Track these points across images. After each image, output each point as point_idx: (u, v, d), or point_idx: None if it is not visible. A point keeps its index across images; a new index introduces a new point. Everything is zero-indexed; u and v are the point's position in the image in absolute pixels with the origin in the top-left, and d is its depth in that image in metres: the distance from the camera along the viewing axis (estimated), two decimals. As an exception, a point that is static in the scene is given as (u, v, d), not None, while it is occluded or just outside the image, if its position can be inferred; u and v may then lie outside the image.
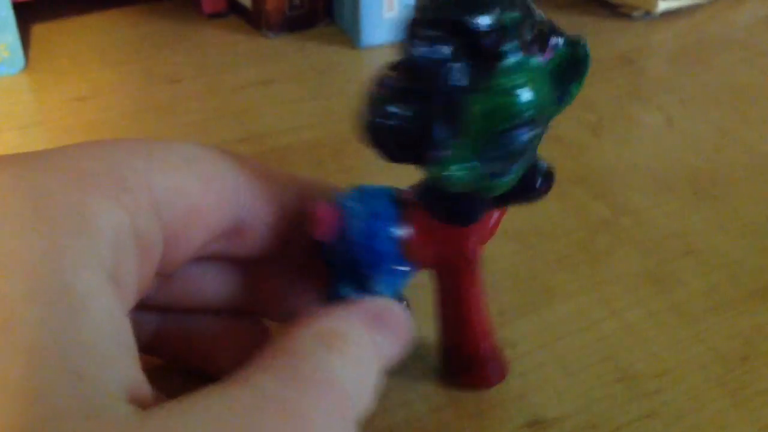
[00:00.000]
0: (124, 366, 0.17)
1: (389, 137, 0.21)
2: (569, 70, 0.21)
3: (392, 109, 0.20)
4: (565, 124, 0.43)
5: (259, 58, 0.50)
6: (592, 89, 0.46)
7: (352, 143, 0.42)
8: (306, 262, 0.25)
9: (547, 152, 0.24)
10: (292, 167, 0.40)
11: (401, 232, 0.23)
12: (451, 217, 0.23)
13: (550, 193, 0.36)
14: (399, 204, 0.23)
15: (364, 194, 0.23)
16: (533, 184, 0.23)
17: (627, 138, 0.42)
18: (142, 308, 0.25)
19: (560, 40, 0.21)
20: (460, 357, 0.27)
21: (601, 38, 0.52)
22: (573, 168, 0.39)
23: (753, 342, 0.29)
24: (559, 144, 0.41)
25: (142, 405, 0.16)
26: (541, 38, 0.21)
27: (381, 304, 0.22)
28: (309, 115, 0.44)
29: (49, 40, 0.52)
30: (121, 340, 0.17)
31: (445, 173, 0.20)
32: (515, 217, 0.35)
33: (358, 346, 0.20)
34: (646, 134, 0.43)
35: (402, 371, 0.28)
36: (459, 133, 0.20)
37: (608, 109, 0.45)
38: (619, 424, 0.26)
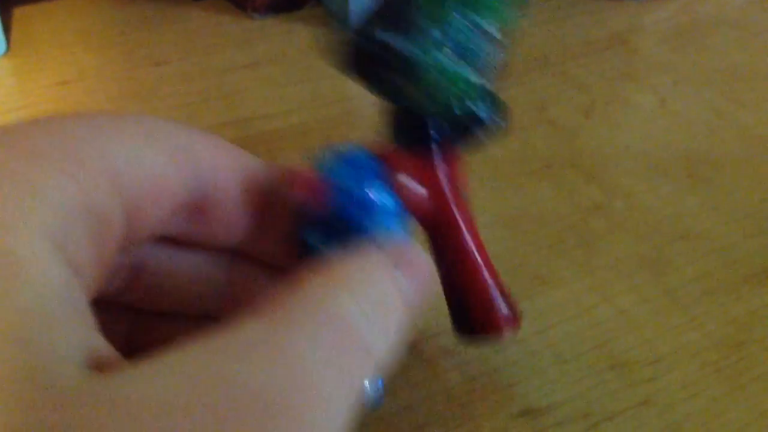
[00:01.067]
0: (76, 330, 0.16)
1: (374, 60, 0.21)
2: None
3: (377, 33, 0.21)
4: (557, 106, 0.42)
5: (246, 41, 0.49)
6: (584, 70, 0.45)
7: (341, 127, 0.41)
8: (288, 264, 0.24)
9: (539, 135, 0.24)
10: (280, 152, 0.39)
11: (388, 180, 0.23)
12: (416, 138, 0.24)
13: (540, 175, 0.35)
14: (376, 157, 0.23)
15: (341, 155, 0.22)
16: (486, 116, 0.24)
17: (620, 120, 0.42)
18: (114, 306, 0.24)
19: None
20: (471, 307, 0.25)
21: (594, 18, 0.51)
22: (565, 151, 0.39)
23: (748, 327, 0.29)
24: (551, 127, 0.40)
25: (107, 370, 0.15)
26: None
27: (400, 241, 0.20)
28: (296, 98, 0.43)
29: (31, 23, 0.51)
30: (73, 304, 0.16)
31: (429, 62, 0.21)
32: (506, 203, 0.35)
33: (376, 285, 0.18)
34: (639, 116, 0.42)
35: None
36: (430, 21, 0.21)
37: (601, 91, 0.44)
38: (613, 412, 0.26)
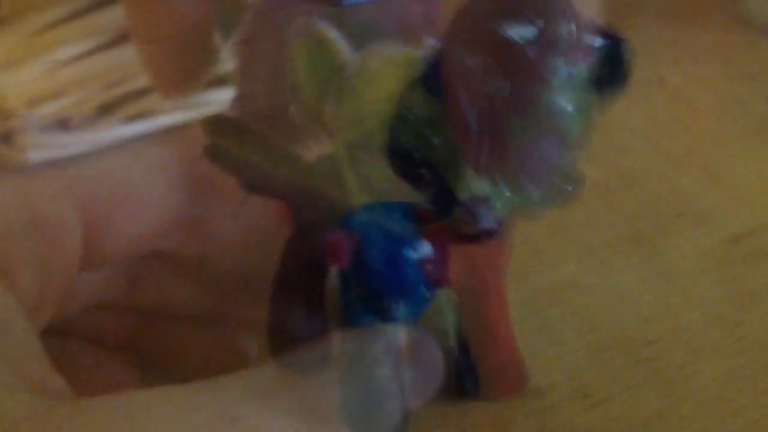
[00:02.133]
0: (17, 357, 0.15)
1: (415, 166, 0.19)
2: (609, 73, 0.19)
3: (423, 134, 0.19)
4: (555, 83, 0.42)
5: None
6: (581, 47, 0.45)
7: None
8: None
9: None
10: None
11: (421, 253, 0.21)
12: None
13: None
14: (415, 220, 0.21)
15: (377, 214, 0.21)
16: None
17: (618, 97, 0.41)
18: (117, 308, 0.24)
19: (598, 39, 0.19)
20: (486, 370, 0.25)
21: (591, -5, 0.51)
22: (562, 129, 0.38)
23: (748, 306, 0.29)
24: (548, 104, 0.40)
25: (50, 396, 0.15)
26: (579, 38, 0.18)
27: (410, 335, 0.20)
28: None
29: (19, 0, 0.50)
30: (12, 333, 0.16)
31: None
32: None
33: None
34: (637, 93, 0.41)
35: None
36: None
37: (598, 68, 0.43)
38: (611, 392, 0.26)
